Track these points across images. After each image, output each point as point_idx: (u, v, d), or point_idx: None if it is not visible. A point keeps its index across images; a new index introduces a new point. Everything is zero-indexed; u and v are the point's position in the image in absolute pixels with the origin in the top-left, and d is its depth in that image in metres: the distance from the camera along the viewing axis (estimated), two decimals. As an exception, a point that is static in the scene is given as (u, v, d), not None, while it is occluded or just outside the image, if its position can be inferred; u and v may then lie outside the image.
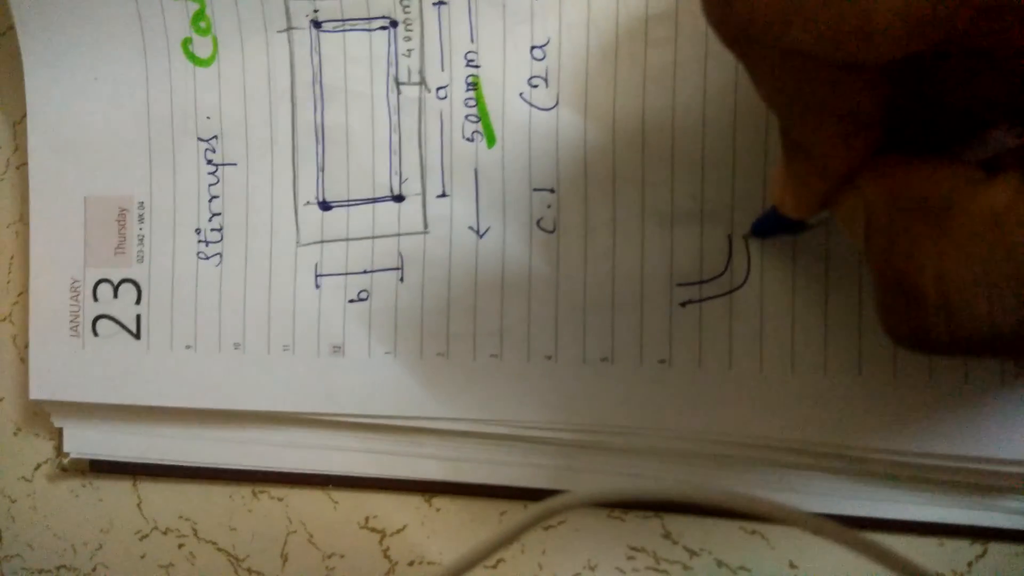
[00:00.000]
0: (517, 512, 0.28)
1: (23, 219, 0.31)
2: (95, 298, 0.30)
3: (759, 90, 0.17)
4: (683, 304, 0.27)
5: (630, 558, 0.28)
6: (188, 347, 0.29)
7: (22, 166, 0.31)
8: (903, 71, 0.15)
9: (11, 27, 0.29)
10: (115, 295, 0.30)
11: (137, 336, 0.30)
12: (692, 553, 0.28)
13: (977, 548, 0.26)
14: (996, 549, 0.26)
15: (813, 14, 0.14)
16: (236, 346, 0.29)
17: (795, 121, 0.17)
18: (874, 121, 0.16)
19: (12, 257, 0.32)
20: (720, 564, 0.27)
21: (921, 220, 0.15)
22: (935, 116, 0.17)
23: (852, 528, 0.19)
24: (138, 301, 0.30)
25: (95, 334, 0.30)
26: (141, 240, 0.30)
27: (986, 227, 0.14)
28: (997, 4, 0.13)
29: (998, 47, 0.14)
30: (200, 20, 0.29)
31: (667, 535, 0.28)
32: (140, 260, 0.30)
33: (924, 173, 0.16)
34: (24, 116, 0.30)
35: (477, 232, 0.28)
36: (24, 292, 0.31)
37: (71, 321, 0.30)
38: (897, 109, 0.16)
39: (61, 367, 0.30)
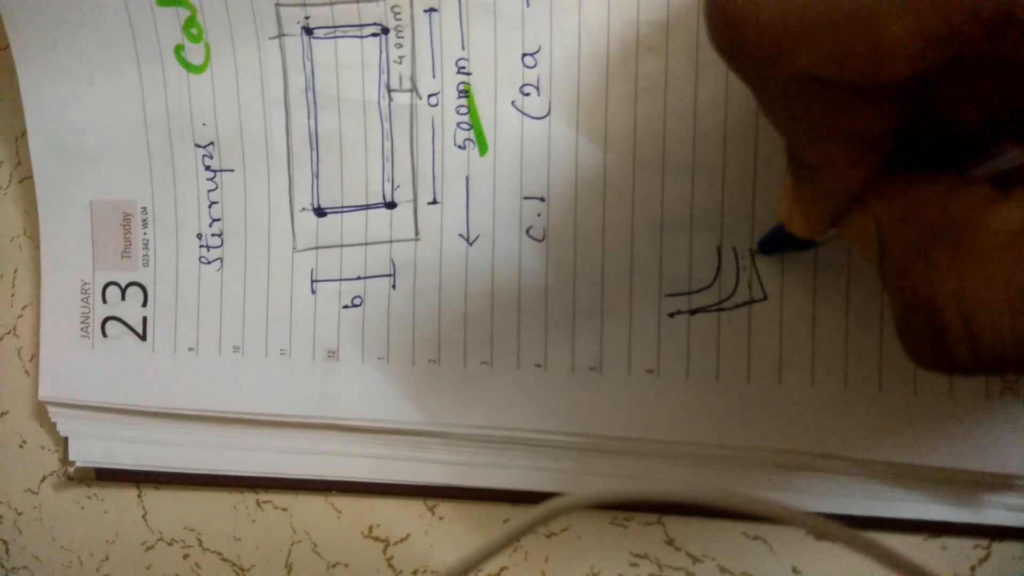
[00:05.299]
0: (520, 519, 0.27)
1: (27, 232, 0.30)
2: (104, 300, 0.29)
3: (765, 113, 0.16)
4: (671, 315, 0.26)
5: (633, 565, 0.27)
6: (191, 349, 0.29)
7: (24, 180, 0.30)
8: (909, 91, 0.14)
9: (6, 47, 0.28)
10: (123, 298, 0.29)
11: (143, 338, 0.29)
12: (695, 559, 0.27)
13: (980, 552, 0.25)
14: (999, 551, 0.25)
15: (822, 37, 0.13)
16: (236, 349, 0.28)
17: (802, 144, 0.16)
18: (881, 142, 0.15)
19: (16, 270, 0.31)
20: (723, 570, 0.26)
21: (938, 240, 0.14)
22: (941, 135, 0.16)
23: (855, 529, 0.18)
24: (144, 304, 0.29)
25: (104, 335, 0.29)
26: (146, 244, 0.29)
27: (1005, 245, 0.14)
28: (1006, 20, 0.12)
29: (1007, 63, 0.13)
30: (191, 27, 0.27)
31: (670, 541, 0.27)
32: (146, 264, 0.29)
33: (937, 193, 0.15)
34: (24, 132, 0.28)
35: (467, 240, 0.27)
36: (29, 305, 0.31)
37: (82, 322, 0.29)
38: (903, 129, 0.15)
39: (71, 367, 0.29)
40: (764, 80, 0.15)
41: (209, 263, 0.28)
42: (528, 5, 0.25)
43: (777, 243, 0.24)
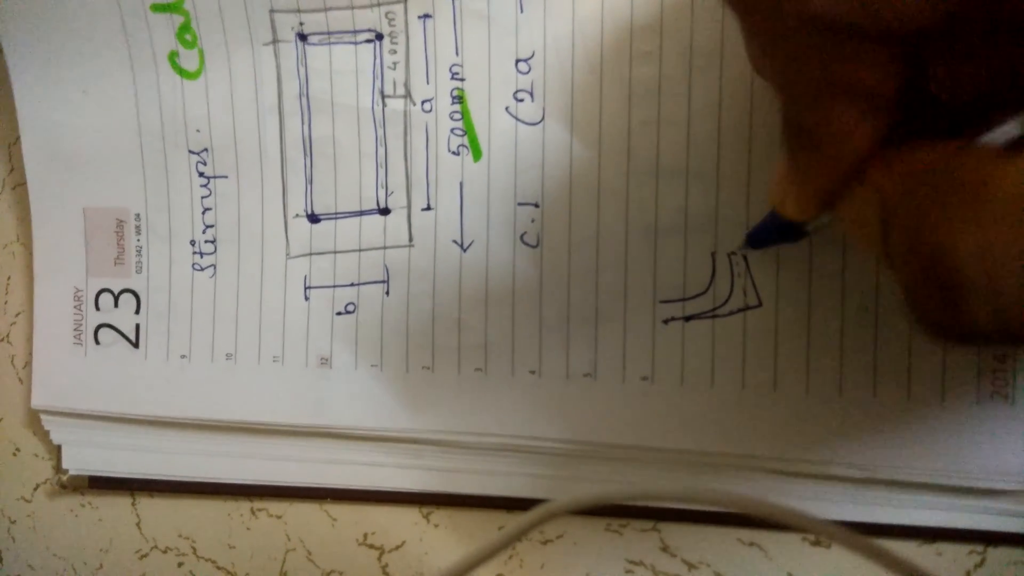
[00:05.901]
0: (513, 523, 0.27)
1: (20, 239, 0.30)
2: (97, 307, 0.29)
3: (771, 71, 0.15)
4: (666, 321, 0.25)
5: (628, 571, 0.27)
6: (183, 357, 0.28)
7: (18, 187, 0.29)
8: (914, 52, 0.14)
9: (0, 53, 0.28)
10: (116, 304, 0.29)
11: (136, 345, 0.29)
12: (690, 566, 0.26)
13: (975, 557, 0.25)
14: (994, 557, 0.24)
15: None
16: (228, 356, 0.28)
17: (805, 104, 0.15)
18: (889, 103, 0.15)
19: (9, 277, 0.30)
20: (718, 576, 0.26)
21: (954, 199, 0.14)
22: (938, 109, 0.16)
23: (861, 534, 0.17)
24: (137, 311, 0.29)
25: (97, 342, 0.29)
26: (139, 251, 0.29)
27: (1022, 200, 0.13)
28: None
29: (1005, 27, 0.13)
30: (186, 33, 0.27)
31: (665, 548, 0.26)
32: (139, 271, 0.29)
33: (945, 154, 0.14)
34: (18, 139, 0.28)
35: (461, 246, 0.27)
36: (22, 312, 0.30)
37: (75, 329, 0.29)
38: (903, 99, 0.15)
39: (64, 375, 0.29)
40: (775, 31, 0.14)
41: (202, 270, 0.28)
42: (522, 11, 0.25)
43: (767, 234, 0.23)
